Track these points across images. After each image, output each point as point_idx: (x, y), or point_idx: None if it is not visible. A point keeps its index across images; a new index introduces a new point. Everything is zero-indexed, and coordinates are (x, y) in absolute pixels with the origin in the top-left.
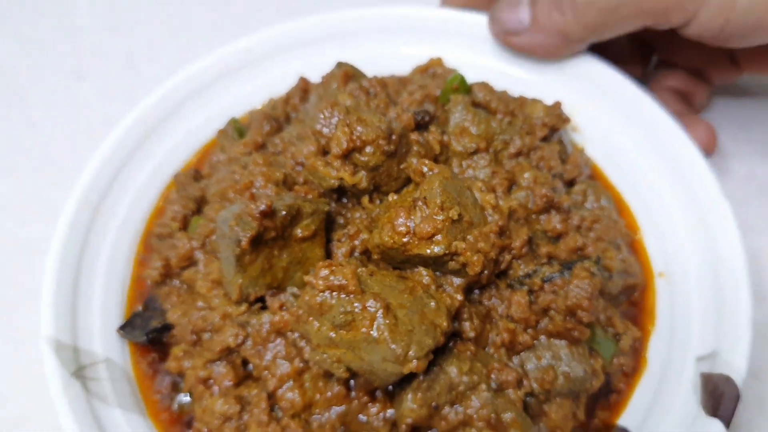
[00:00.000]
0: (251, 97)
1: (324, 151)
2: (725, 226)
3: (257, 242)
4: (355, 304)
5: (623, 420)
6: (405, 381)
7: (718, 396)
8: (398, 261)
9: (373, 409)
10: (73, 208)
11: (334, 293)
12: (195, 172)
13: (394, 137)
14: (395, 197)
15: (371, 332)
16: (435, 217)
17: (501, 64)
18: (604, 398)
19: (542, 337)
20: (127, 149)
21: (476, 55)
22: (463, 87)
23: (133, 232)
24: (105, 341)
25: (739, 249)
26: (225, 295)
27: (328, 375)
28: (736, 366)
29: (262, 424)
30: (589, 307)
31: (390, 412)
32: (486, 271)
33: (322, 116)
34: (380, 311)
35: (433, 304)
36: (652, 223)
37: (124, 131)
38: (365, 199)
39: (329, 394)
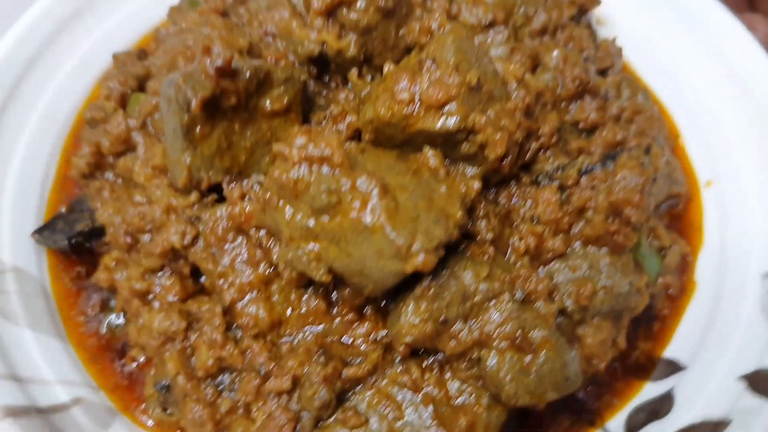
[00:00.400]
0: None
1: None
2: None
3: (212, 110)
4: (343, 181)
5: (670, 352)
6: (404, 288)
7: None
8: (397, 142)
9: (361, 329)
10: None
11: (314, 167)
12: (140, 51)
13: None
14: (389, 68)
15: (363, 217)
16: (447, 80)
17: None
18: (645, 326)
19: (577, 244)
20: (53, 23)
21: None
22: None
23: (60, 122)
24: (15, 247)
25: None
26: (169, 186)
27: (302, 283)
28: None
29: (215, 345)
30: (640, 203)
31: (382, 333)
32: (509, 157)
33: None
34: (375, 190)
35: (443, 189)
36: (696, 126)
37: (46, 6)
38: (353, 74)
39: (304, 309)
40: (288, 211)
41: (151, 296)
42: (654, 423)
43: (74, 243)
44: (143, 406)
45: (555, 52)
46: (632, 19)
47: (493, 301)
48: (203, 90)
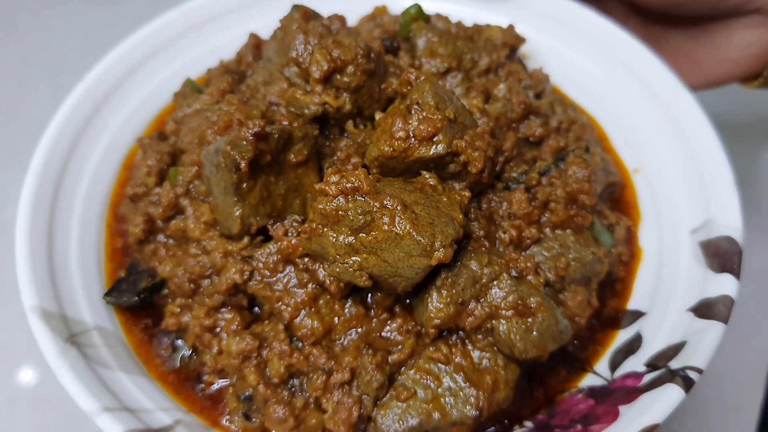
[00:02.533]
0: (199, 63)
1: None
2: (689, 109)
3: (254, 168)
4: (373, 204)
5: (632, 304)
6: (426, 284)
7: (722, 254)
8: (399, 171)
9: (394, 324)
10: (33, 186)
11: (349, 197)
12: (159, 134)
13: (372, 55)
14: (381, 116)
15: (393, 228)
16: (432, 117)
17: (446, 5)
18: (609, 288)
19: (547, 230)
20: (79, 121)
21: None
22: (422, 16)
23: (100, 204)
24: (92, 310)
25: (706, 124)
26: (221, 236)
27: (344, 294)
28: (732, 225)
29: (284, 355)
30: (590, 190)
31: (410, 325)
32: (486, 171)
33: (297, 47)
34: (399, 206)
35: (445, 199)
36: (617, 127)
37: (73, 103)
38: (350, 125)
39: (347, 315)
40: (332, 235)
41: (218, 329)
42: (630, 358)
43: (142, 298)
44: (227, 418)
45: (501, 86)
46: (551, 49)
47: (496, 281)
48: (248, 153)
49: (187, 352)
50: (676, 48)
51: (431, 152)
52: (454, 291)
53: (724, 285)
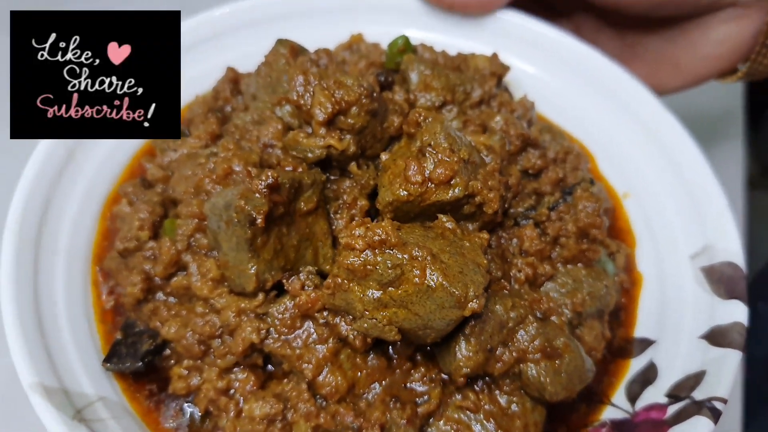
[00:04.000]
0: None
1: (289, 128)
2: (674, 132)
3: (267, 221)
4: (403, 256)
5: (639, 332)
6: (452, 333)
7: (727, 281)
8: (413, 215)
9: (417, 374)
10: (13, 248)
11: (376, 250)
12: (142, 180)
13: (375, 95)
14: (385, 157)
15: (426, 281)
16: (448, 159)
17: (422, 33)
18: (614, 317)
19: (558, 265)
20: (53, 169)
21: (391, 28)
22: (408, 47)
23: (82, 260)
24: (92, 380)
25: (694, 150)
26: (230, 293)
27: (367, 348)
28: (732, 250)
29: (311, 416)
30: (601, 224)
31: (434, 374)
32: (499, 210)
33: (297, 88)
34: (428, 258)
35: (467, 244)
36: (603, 152)
37: (46, 149)
38: (353, 166)
39: (370, 367)
40: (359, 290)
41: (232, 391)
42: (648, 388)
43: (147, 362)
44: None
45: (497, 118)
46: (529, 76)
47: (521, 325)
48: (263, 207)
49: (198, 416)
50: (654, 53)
51: (449, 196)
52: (482, 338)
53: (735, 312)
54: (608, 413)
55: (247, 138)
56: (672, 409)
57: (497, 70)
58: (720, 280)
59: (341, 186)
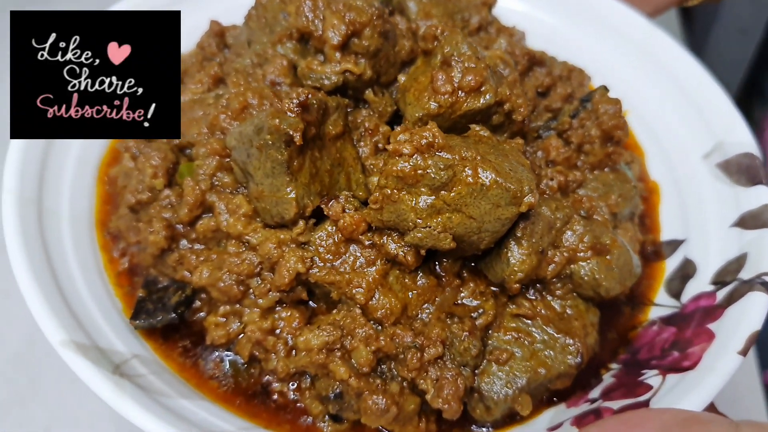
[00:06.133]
0: None
1: (293, 66)
2: (666, 45)
3: (302, 142)
4: (454, 157)
5: (666, 235)
6: (501, 240)
7: (746, 169)
8: (444, 130)
9: (467, 289)
10: (14, 206)
11: (425, 154)
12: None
13: (385, 16)
14: (403, 78)
15: (479, 179)
16: (475, 66)
17: None
18: (641, 224)
19: (586, 172)
20: (41, 144)
21: None
22: None
23: (87, 224)
24: (122, 339)
25: (688, 58)
26: (265, 227)
27: (417, 266)
28: (745, 142)
29: (371, 339)
30: (625, 124)
31: (484, 287)
32: (526, 118)
33: (306, 14)
34: (478, 157)
35: (507, 147)
36: (597, 75)
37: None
38: (369, 94)
39: (420, 284)
40: (409, 198)
41: (277, 331)
42: (690, 282)
43: (180, 313)
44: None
45: (501, 40)
46: (510, 11)
47: (568, 224)
48: (298, 124)
49: (242, 364)
50: None
51: (480, 103)
52: (533, 240)
53: (762, 196)
54: (654, 312)
55: (251, 79)
56: (721, 294)
57: (487, 1)
58: (739, 171)
59: (357, 116)
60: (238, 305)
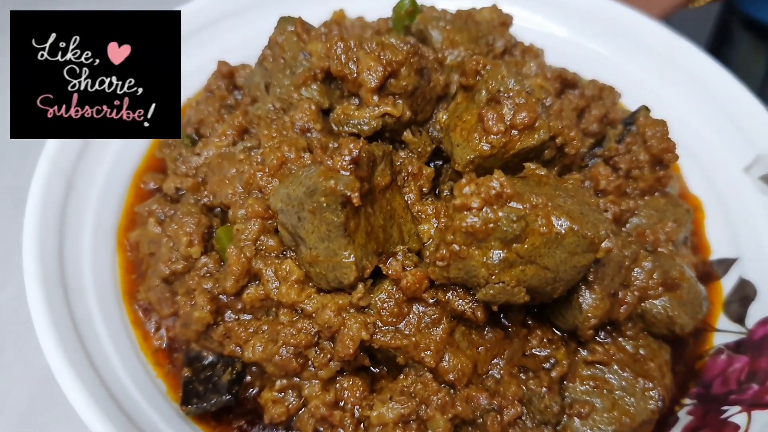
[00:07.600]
0: None
1: (321, 109)
2: (693, 55)
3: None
4: (525, 206)
5: (716, 253)
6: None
7: None
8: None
9: (536, 339)
10: (40, 285)
11: (494, 206)
12: (164, 196)
13: (420, 51)
14: (444, 116)
15: (554, 228)
16: (525, 102)
17: None
18: (683, 246)
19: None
20: (56, 202)
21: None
22: (416, 8)
23: (113, 300)
24: (173, 426)
25: (718, 68)
26: (319, 292)
27: (483, 321)
28: None
29: (447, 406)
30: (674, 146)
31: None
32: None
33: (338, 56)
34: (549, 204)
35: (569, 186)
36: (623, 90)
37: (43, 181)
38: (408, 135)
39: (488, 338)
40: (479, 254)
41: (341, 403)
42: (752, 304)
43: (235, 393)
44: None
45: (531, 64)
46: (528, 28)
47: (636, 261)
48: (354, 183)
49: None
50: None
51: (535, 139)
52: (605, 283)
53: None
54: (717, 339)
55: (275, 126)
56: None
57: (504, 20)
58: None
59: (396, 159)
60: (296, 378)
